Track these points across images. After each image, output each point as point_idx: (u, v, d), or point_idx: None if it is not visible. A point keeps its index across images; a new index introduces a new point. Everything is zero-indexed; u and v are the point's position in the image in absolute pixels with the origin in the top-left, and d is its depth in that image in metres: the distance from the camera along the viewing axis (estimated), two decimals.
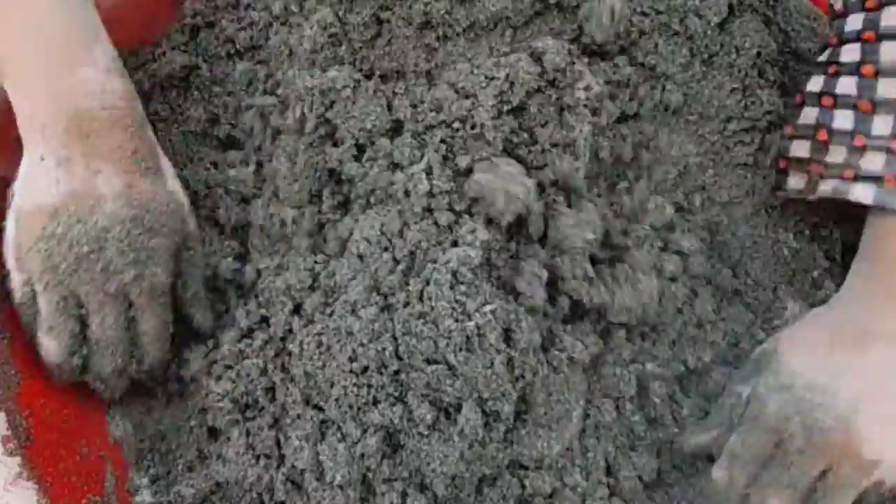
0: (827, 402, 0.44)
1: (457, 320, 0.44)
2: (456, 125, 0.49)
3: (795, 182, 0.54)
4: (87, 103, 0.46)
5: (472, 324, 0.44)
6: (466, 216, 0.48)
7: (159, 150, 0.51)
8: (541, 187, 0.50)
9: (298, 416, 0.47)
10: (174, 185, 0.51)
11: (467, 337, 0.44)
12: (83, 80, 0.46)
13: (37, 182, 0.46)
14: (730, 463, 0.47)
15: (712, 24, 0.56)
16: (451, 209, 0.48)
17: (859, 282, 0.49)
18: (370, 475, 0.45)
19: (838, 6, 0.53)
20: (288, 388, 0.48)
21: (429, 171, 0.48)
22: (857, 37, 0.49)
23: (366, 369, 0.45)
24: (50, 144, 0.46)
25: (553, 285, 0.50)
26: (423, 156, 0.49)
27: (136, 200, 0.47)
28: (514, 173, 0.48)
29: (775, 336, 0.52)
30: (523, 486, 0.47)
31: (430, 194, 0.48)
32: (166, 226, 0.48)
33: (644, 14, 0.55)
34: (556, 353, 0.48)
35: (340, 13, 0.53)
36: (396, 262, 0.48)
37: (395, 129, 0.51)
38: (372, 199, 0.50)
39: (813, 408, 0.45)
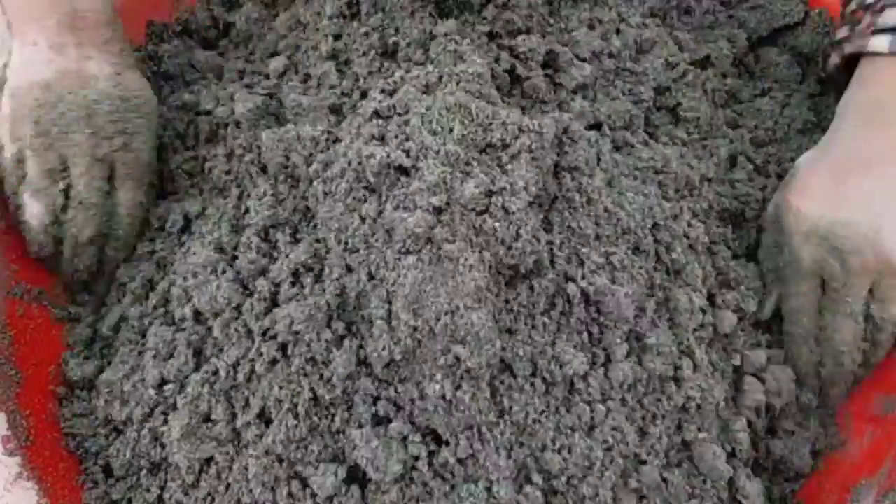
0: (850, 232, 0.48)
1: None
2: None
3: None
4: (81, 4, 0.51)
5: None
6: None
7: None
8: None
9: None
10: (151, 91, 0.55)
11: None
12: None
13: (31, 62, 0.50)
14: (792, 318, 0.51)
15: None
16: None
17: (848, 120, 0.52)
18: None
19: None
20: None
21: None
22: None
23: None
24: (44, 32, 0.50)
25: None
26: None
27: (123, 86, 0.52)
28: None
29: (779, 194, 0.54)
30: None
31: None
32: (150, 113, 0.53)
33: None
34: None
35: None
36: None
37: None
38: None
39: (841, 242, 0.48)
